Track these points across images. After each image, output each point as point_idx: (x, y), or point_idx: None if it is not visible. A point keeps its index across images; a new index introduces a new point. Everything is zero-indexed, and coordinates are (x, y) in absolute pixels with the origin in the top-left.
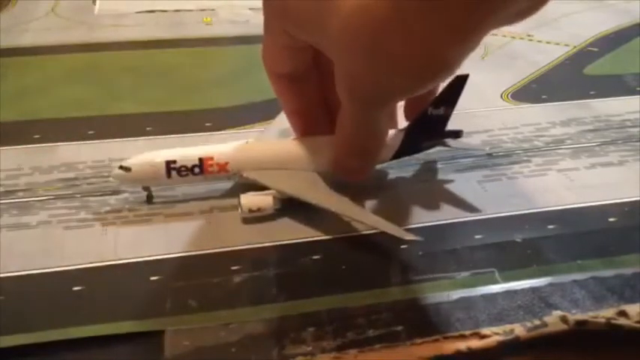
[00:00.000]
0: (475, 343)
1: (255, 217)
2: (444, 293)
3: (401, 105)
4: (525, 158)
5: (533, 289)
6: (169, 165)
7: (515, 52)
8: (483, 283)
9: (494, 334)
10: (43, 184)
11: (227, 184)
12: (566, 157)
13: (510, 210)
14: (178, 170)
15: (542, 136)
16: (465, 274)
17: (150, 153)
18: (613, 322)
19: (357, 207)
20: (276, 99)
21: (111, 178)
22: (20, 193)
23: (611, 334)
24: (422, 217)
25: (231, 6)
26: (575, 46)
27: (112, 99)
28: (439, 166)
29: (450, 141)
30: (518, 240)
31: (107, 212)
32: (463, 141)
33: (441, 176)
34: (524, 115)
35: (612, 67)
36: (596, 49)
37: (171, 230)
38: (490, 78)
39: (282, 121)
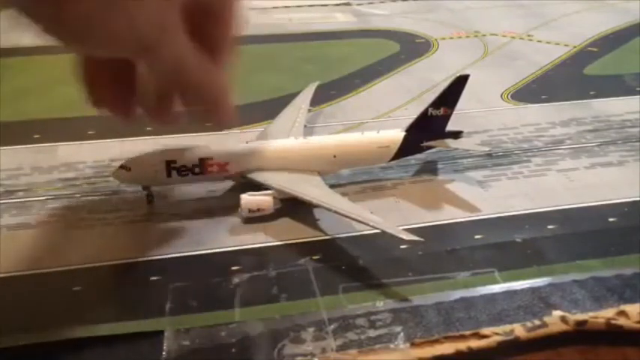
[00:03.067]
0: (475, 343)
1: (255, 217)
2: (444, 293)
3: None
4: (525, 158)
5: (533, 290)
6: (169, 165)
7: (515, 52)
8: (483, 283)
9: (495, 334)
10: (43, 184)
11: (227, 184)
12: (566, 157)
13: (510, 210)
14: (178, 170)
15: (542, 136)
16: (465, 274)
17: (150, 152)
18: (613, 322)
19: (358, 207)
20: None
21: (111, 178)
22: (20, 193)
23: (611, 334)
24: (422, 217)
25: None
26: (575, 46)
27: None
28: (439, 166)
29: (450, 141)
30: (518, 240)
31: (107, 212)
32: (463, 141)
33: (441, 176)
34: (524, 115)
35: (612, 67)
36: (596, 49)
37: (171, 230)
38: (490, 78)
39: (282, 121)
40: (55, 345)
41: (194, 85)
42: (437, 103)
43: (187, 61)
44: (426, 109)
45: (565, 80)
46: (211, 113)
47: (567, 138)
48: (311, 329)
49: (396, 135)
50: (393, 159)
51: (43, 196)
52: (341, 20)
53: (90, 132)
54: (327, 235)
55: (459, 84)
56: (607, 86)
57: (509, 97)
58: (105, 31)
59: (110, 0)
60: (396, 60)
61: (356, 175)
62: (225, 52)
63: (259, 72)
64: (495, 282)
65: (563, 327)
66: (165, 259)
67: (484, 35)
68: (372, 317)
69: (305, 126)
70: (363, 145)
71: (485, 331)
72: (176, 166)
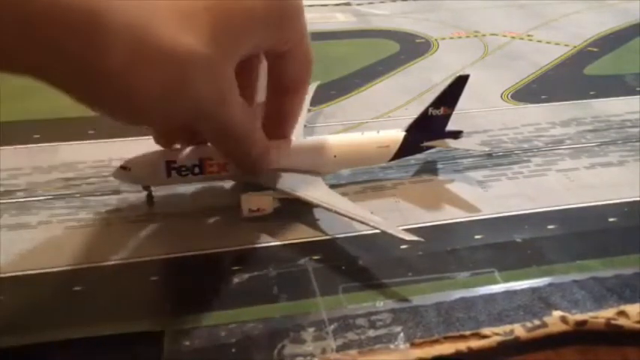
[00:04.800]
0: (475, 344)
1: (255, 217)
2: (444, 293)
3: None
4: (525, 158)
5: (533, 290)
6: (169, 165)
7: (515, 52)
8: (483, 284)
9: (495, 335)
10: (43, 184)
11: (227, 184)
12: (565, 157)
13: (510, 210)
14: (178, 170)
15: (542, 136)
16: (464, 274)
17: (150, 152)
18: (613, 322)
19: (358, 207)
20: None
21: (111, 178)
22: (20, 193)
23: (611, 334)
24: (422, 217)
25: None
26: (575, 46)
27: None
28: (439, 166)
29: (450, 141)
30: (518, 240)
31: (107, 212)
32: (463, 141)
33: (441, 176)
34: (524, 115)
35: (612, 67)
36: (596, 49)
37: (171, 230)
38: (490, 78)
39: None
40: (55, 345)
41: (232, 148)
42: (437, 103)
43: (233, 130)
44: (426, 109)
45: (565, 80)
46: (244, 168)
47: (567, 138)
48: (311, 329)
49: (396, 135)
50: (393, 159)
51: (43, 196)
52: (341, 20)
53: (90, 132)
54: (327, 235)
55: (459, 84)
56: (607, 86)
57: (509, 97)
58: (171, 113)
59: (178, 84)
60: (396, 60)
61: (356, 175)
62: (290, 125)
63: None
64: (495, 282)
65: (563, 327)
66: (165, 259)
67: (484, 35)
68: (372, 317)
69: (305, 126)
70: (363, 145)
71: (486, 331)
72: (176, 166)
